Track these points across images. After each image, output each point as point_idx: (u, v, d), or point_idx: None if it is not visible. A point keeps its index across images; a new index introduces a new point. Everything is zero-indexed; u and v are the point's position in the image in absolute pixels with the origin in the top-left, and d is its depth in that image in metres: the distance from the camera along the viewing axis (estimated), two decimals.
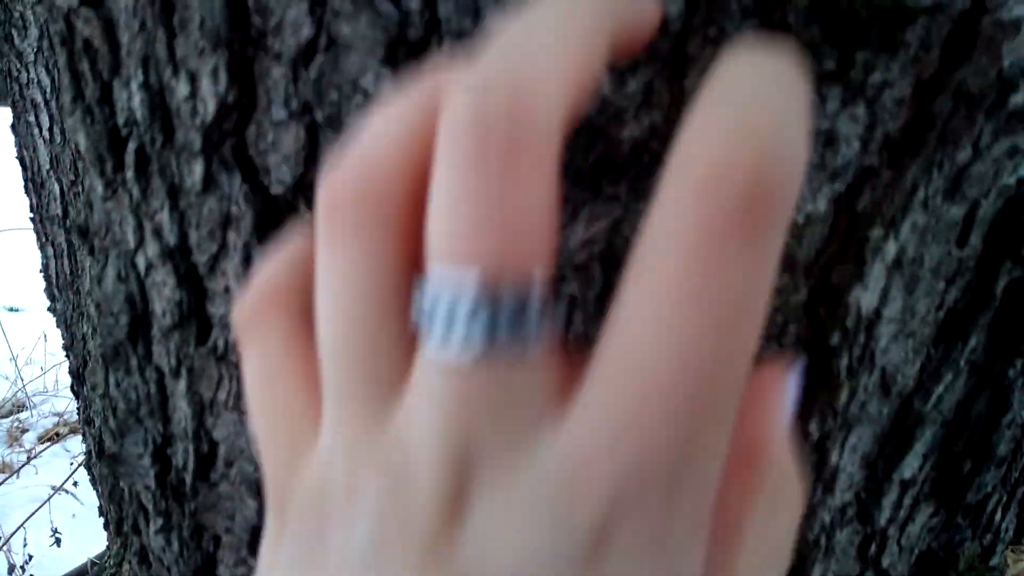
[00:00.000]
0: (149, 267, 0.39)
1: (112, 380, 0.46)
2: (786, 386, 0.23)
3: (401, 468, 0.15)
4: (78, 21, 0.35)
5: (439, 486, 0.15)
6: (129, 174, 0.37)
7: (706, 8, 0.25)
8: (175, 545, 0.47)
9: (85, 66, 0.37)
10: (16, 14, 1.50)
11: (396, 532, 0.15)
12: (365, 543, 0.15)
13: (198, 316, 0.38)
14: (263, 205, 0.33)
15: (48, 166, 1.55)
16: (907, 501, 0.34)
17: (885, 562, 0.35)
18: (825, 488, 0.32)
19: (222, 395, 0.38)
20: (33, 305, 3.83)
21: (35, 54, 1.46)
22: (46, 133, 1.51)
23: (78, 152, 0.43)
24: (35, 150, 1.59)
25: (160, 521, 0.46)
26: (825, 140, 0.26)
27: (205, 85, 0.31)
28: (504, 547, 0.14)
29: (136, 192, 0.37)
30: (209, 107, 0.32)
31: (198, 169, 0.33)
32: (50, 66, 1.44)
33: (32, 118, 1.54)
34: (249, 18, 0.30)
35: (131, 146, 0.36)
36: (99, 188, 0.40)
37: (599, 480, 0.14)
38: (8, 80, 1.56)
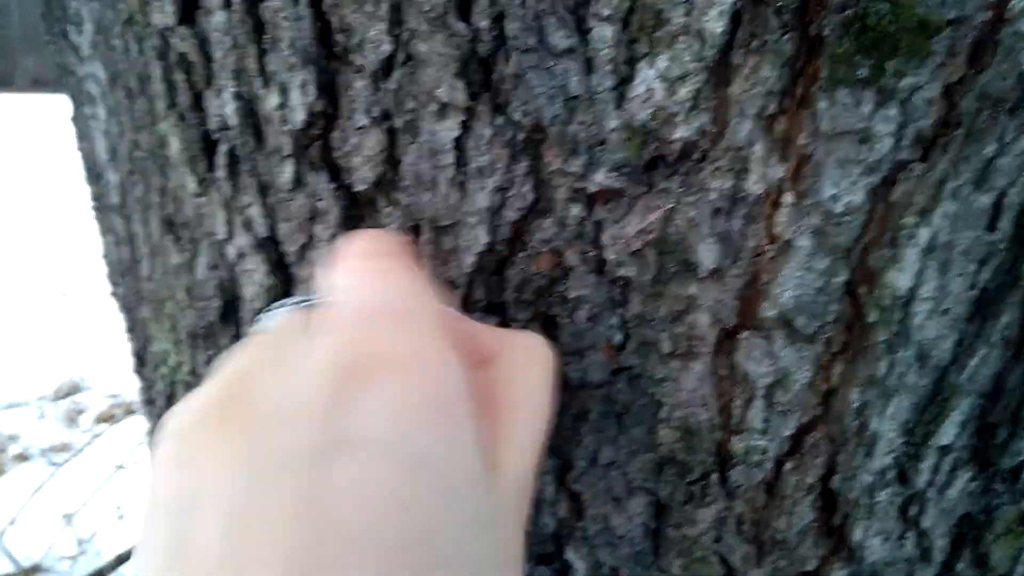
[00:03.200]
0: (240, 256, 0.43)
1: (201, 359, 0.50)
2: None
3: None
4: (173, 38, 0.39)
5: None
6: (220, 173, 0.41)
7: (748, 23, 0.27)
8: None
9: (179, 77, 0.41)
10: (71, 9, 1.56)
11: None
12: None
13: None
14: (347, 201, 0.37)
15: (106, 157, 1.61)
16: (945, 467, 0.37)
17: (925, 523, 0.38)
18: (866, 452, 0.35)
19: None
20: (83, 289, 3.96)
21: (91, 49, 1.51)
22: (103, 125, 1.56)
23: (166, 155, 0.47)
24: (93, 141, 1.65)
25: None
26: (861, 138, 0.29)
27: (295, 96, 0.35)
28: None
29: (227, 189, 0.41)
30: (298, 115, 0.35)
31: (288, 170, 0.37)
32: (106, 60, 1.49)
33: (89, 110, 1.60)
34: (333, 36, 0.33)
35: (222, 148, 0.40)
36: (191, 186, 0.44)
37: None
38: (65, 74, 1.62)
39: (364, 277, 0.27)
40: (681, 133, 0.29)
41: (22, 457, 2.68)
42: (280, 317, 0.28)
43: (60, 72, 1.65)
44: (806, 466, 0.36)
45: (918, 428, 0.36)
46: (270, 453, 0.21)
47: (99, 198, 1.73)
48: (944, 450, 0.37)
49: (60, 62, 1.73)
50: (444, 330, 0.25)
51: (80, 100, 1.66)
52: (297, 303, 0.29)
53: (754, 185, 0.30)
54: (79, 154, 1.74)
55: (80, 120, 1.74)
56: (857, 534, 0.37)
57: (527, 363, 0.29)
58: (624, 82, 0.29)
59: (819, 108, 0.28)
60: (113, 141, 1.40)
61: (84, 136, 1.70)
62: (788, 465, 0.36)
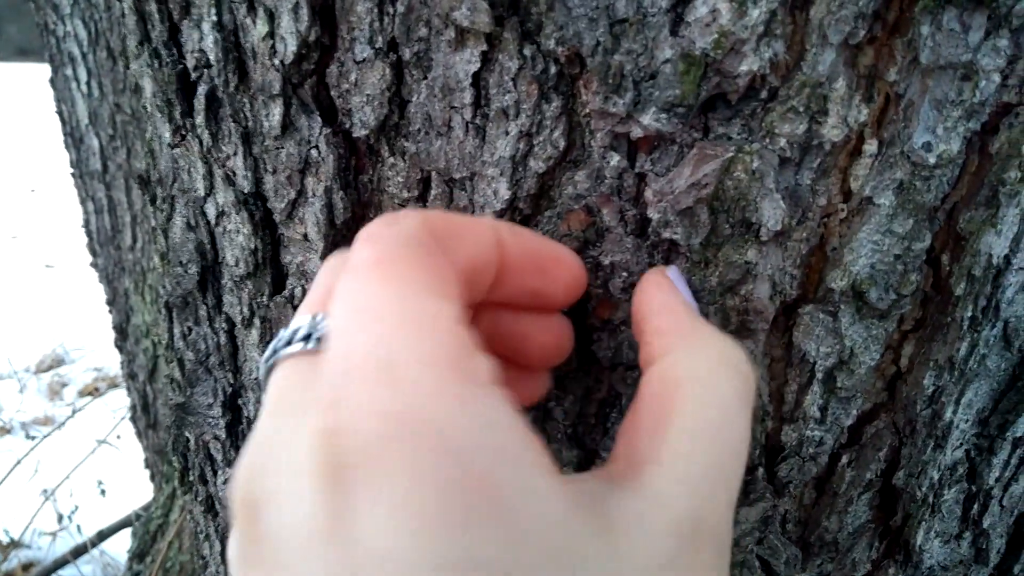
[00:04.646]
0: (220, 215, 0.38)
1: (178, 331, 0.45)
2: (664, 273, 0.27)
3: None
4: None
5: None
6: (199, 119, 0.36)
7: None
8: None
9: (152, 7, 0.35)
10: None
11: None
12: None
13: (272, 265, 0.37)
14: (345, 149, 0.32)
15: (87, 120, 1.54)
16: (1014, 460, 0.33)
17: (986, 522, 0.34)
18: (936, 444, 0.31)
19: None
20: (68, 261, 3.89)
21: (71, 6, 1.45)
22: (84, 87, 1.50)
23: (142, 102, 0.41)
24: (73, 104, 1.59)
25: (230, 471, 0.46)
26: (963, 74, 0.24)
27: (285, 23, 0.30)
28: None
29: (206, 138, 0.36)
30: (289, 46, 0.30)
31: (276, 112, 0.32)
32: (87, 18, 1.43)
33: (70, 72, 1.53)
34: None
35: (201, 90, 0.35)
36: (166, 135, 0.39)
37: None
38: (45, 33, 1.55)
39: (360, 300, 0.19)
40: (748, 65, 0.24)
41: (2, 430, 2.63)
42: (281, 370, 0.22)
43: (40, 32, 1.57)
44: (865, 459, 0.31)
45: (993, 417, 0.31)
46: None
47: (79, 164, 1.66)
48: (1018, 442, 0.33)
49: (40, 21, 1.64)
50: (469, 360, 0.18)
51: (60, 61, 1.58)
52: (303, 338, 0.22)
53: (832, 130, 0.25)
54: (58, 118, 1.66)
55: (60, 82, 1.66)
56: (919, 536, 0.33)
57: (719, 374, 0.22)
58: (683, 1, 0.24)
59: (919, 34, 0.23)
60: (94, 104, 1.35)
61: (64, 99, 1.62)
62: (845, 458, 0.31)
